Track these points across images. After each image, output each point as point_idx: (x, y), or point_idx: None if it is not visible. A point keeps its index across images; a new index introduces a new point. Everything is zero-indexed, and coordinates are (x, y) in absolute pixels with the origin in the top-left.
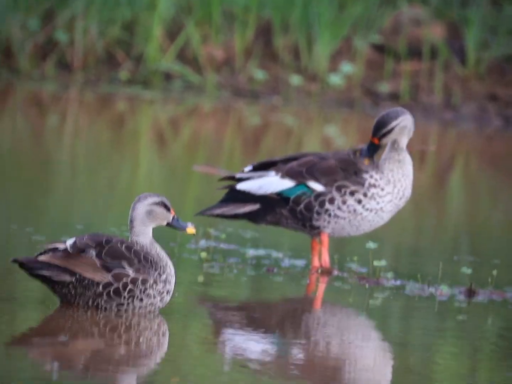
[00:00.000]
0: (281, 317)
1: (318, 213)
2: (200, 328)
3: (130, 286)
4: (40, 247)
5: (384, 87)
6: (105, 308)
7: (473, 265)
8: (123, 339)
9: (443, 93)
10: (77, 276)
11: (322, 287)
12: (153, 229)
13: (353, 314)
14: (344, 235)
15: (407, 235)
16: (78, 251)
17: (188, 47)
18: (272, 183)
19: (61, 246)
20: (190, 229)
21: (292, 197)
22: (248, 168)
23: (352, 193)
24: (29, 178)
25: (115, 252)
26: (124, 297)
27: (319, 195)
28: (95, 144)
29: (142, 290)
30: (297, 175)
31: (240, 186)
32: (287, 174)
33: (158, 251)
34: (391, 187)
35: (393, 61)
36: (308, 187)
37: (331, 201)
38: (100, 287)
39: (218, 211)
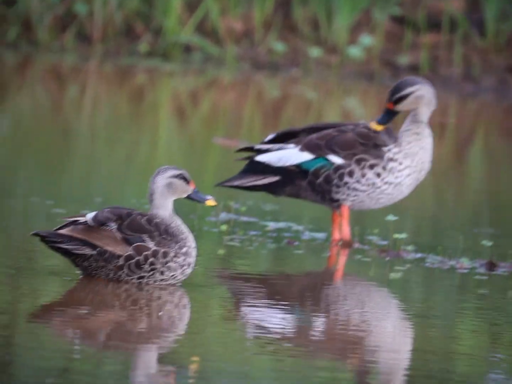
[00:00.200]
0: (302, 290)
1: (337, 186)
2: (221, 301)
3: (151, 259)
4: (61, 220)
5: (404, 59)
6: (126, 281)
7: (494, 238)
8: (144, 312)
9: (462, 65)
10: (98, 249)
11: (342, 259)
12: (173, 202)
13: (374, 287)
14: (364, 208)
15: (427, 208)
16: (99, 224)
17: (207, 19)
18: (291, 155)
19: (81, 219)
20: (210, 202)
21: (311, 169)
22: (270, 136)
23: (371, 167)
24: (49, 151)
25: (136, 225)
26: (145, 270)
27: (338, 168)
28: (114, 116)
29: (163, 263)
30: (316, 148)
31: (259, 157)
32: (306, 147)
33: (179, 224)
34: (409, 160)
35: (412, 33)
36: (327, 160)
37: (350, 174)
38: (121, 260)
39: (237, 182)
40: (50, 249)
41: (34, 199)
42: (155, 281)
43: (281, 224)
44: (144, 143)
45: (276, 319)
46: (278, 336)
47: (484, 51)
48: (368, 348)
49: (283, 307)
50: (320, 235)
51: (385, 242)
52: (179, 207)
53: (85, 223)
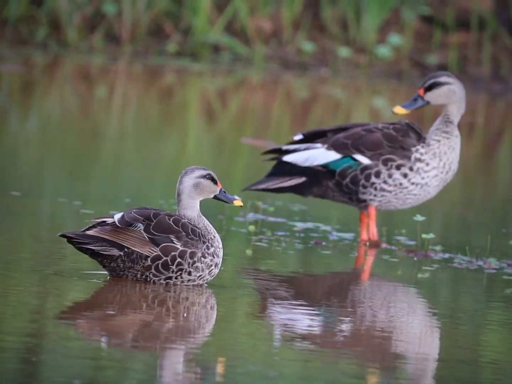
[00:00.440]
0: (329, 290)
1: (364, 187)
2: (248, 301)
3: (178, 260)
4: (88, 220)
5: (432, 59)
6: (154, 282)
7: None
8: (171, 313)
9: (491, 65)
10: (126, 250)
11: (370, 260)
12: (201, 202)
13: (402, 287)
14: (391, 208)
15: (455, 208)
16: (126, 225)
17: (236, 19)
18: (319, 155)
19: (109, 220)
20: (237, 202)
21: (338, 170)
22: (297, 136)
23: (398, 167)
24: (78, 152)
25: (163, 226)
26: (173, 271)
27: (365, 168)
28: (143, 116)
29: (191, 263)
30: (343, 148)
31: (287, 158)
32: (333, 146)
33: (206, 224)
34: (436, 161)
35: (441, 33)
36: (354, 159)
37: (377, 174)
38: (149, 260)
39: (264, 185)
40: (78, 250)
41: (62, 200)
42: (182, 282)
43: (309, 225)
44: (173, 143)
45: (303, 320)
46: (305, 337)
47: None
48: (396, 350)
49: (310, 307)
50: (348, 236)
51: (412, 242)
52: (207, 208)
53: (112, 223)
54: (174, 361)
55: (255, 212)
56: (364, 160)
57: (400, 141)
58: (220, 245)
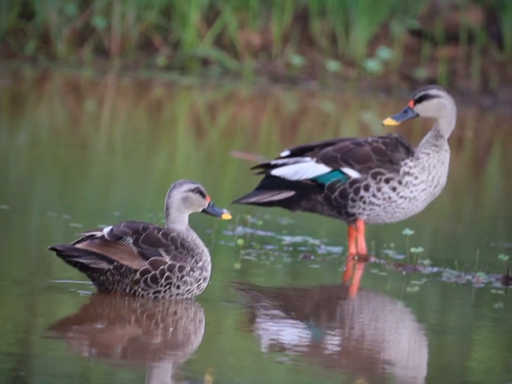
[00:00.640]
0: (318, 304)
1: (353, 200)
2: (237, 315)
3: (167, 273)
4: (77, 234)
5: (421, 73)
6: (142, 296)
7: (510, 252)
8: (160, 327)
9: (480, 78)
10: (115, 264)
11: (358, 274)
12: (190, 216)
13: (390, 301)
14: (379, 222)
15: (444, 222)
16: (115, 238)
17: (225, 32)
18: (308, 168)
19: (98, 233)
20: (226, 215)
21: (327, 184)
22: (284, 152)
23: (387, 181)
24: (67, 165)
25: (152, 239)
26: (161, 284)
27: (354, 182)
28: (132, 130)
29: (179, 277)
30: (332, 161)
31: (275, 171)
32: (322, 160)
33: (194, 238)
34: (425, 174)
35: (430, 46)
36: (343, 173)
37: (366, 188)
38: (138, 274)
39: (253, 199)
40: (67, 263)
41: (51, 214)
42: (171, 296)
43: (298, 238)
44: (162, 157)
45: (291, 333)
46: (293, 350)
47: (502, 64)
48: (384, 364)
49: (298, 321)
50: (336, 249)
51: (401, 256)
52: (196, 221)
53: (101, 237)
54: (163, 375)
55: (244, 226)
56: (353, 173)
57: (389, 155)
58: (209, 259)
